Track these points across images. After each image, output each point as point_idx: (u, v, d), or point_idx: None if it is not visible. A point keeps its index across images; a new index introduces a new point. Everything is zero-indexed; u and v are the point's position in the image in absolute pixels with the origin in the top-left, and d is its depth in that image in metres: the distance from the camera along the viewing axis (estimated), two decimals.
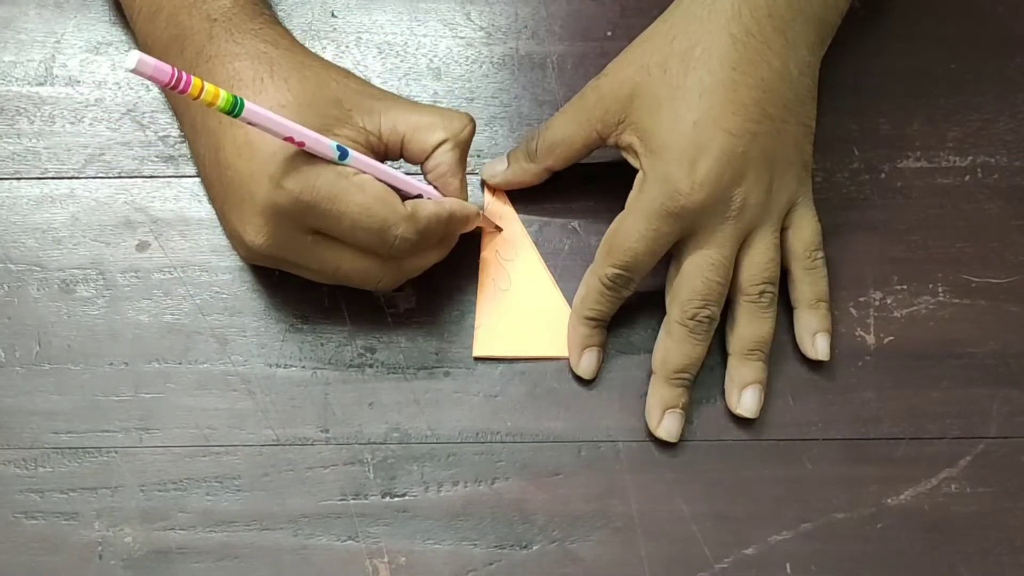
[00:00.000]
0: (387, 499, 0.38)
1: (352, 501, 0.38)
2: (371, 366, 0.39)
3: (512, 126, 0.43)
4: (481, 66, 0.44)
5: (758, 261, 0.38)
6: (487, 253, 0.41)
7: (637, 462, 0.38)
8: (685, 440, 0.38)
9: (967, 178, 0.42)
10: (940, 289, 0.40)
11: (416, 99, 0.43)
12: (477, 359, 0.39)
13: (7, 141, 0.42)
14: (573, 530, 0.38)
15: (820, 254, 0.39)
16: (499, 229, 0.41)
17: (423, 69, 0.44)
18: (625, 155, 0.39)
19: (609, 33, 0.44)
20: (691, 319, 0.37)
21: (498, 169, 0.41)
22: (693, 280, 0.37)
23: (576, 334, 0.39)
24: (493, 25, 0.44)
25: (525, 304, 0.40)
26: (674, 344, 0.38)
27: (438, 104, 0.43)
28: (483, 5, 0.45)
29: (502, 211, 0.41)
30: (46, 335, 0.40)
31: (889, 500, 0.38)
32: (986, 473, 0.38)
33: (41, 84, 0.43)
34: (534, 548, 0.37)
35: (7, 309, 0.40)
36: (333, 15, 0.44)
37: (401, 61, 0.44)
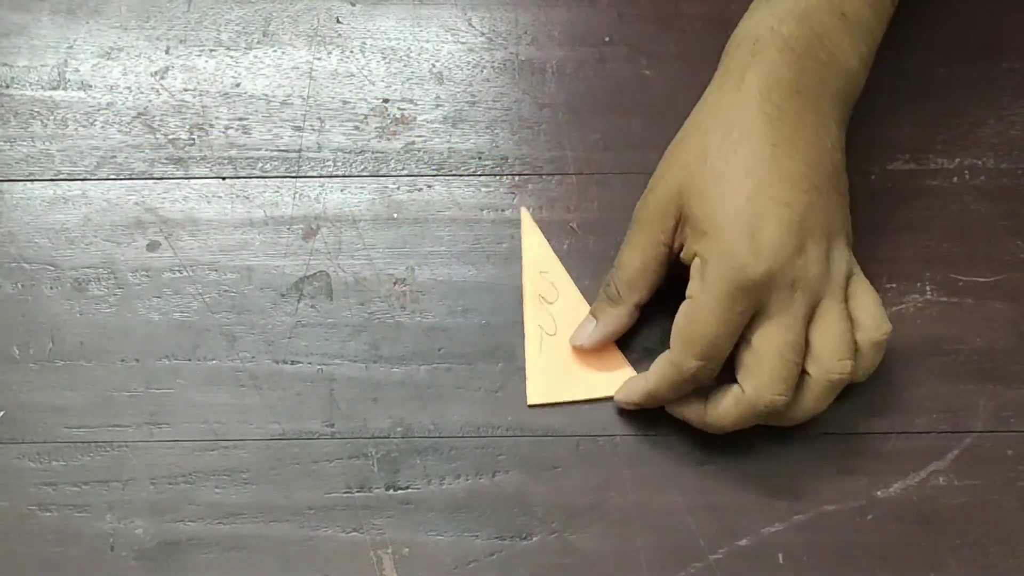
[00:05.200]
0: (391, 492, 0.39)
1: (357, 494, 0.39)
2: (375, 362, 0.40)
3: (513, 129, 0.44)
4: (482, 71, 0.45)
5: (835, 332, 0.36)
6: (529, 297, 0.41)
7: (634, 456, 0.39)
8: (681, 434, 0.39)
9: (955, 180, 0.43)
10: (928, 288, 0.41)
11: (418, 103, 0.44)
12: (532, 407, 0.40)
13: (21, 144, 0.43)
14: (572, 522, 0.38)
15: (888, 326, 0.37)
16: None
17: (426, 74, 0.45)
18: (686, 258, 0.38)
19: (607, 39, 0.45)
20: (767, 404, 0.36)
21: (588, 330, 0.40)
22: (772, 360, 0.35)
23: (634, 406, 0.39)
24: (494, 31, 0.45)
25: (571, 349, 0.40)
26: (746, 421, 0.37)
27: (440, 107, 0.44)
28: (484, 11, 0.46)
29: (543, 254, 0.42)
30: (59, 332, 0.41)
31: (879, 493, 0.38)
32: (973, 466, 0.39)
33: (54, 88, 0.44)
34: (534, 539, 0.38)
35: (21, 307, 0.41)
36: (338, 21, 0.46)
37: (404, 66, 0.45)
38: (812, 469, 0.39)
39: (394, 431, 0.39)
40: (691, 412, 0.38)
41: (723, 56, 0.39)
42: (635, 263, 0.39)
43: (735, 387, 0.36)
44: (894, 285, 0.41)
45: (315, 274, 0.42)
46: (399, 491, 0.39)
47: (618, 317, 0.39)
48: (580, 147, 0.43)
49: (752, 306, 0.35)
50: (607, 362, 0.40)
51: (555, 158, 0.43)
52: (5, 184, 0.43)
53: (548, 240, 0.42)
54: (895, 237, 0.42)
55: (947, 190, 0.43)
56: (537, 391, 0.40)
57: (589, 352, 0.40)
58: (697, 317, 0.36)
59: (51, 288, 0.41)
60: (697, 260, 0.36)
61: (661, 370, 0.37)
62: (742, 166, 0.36)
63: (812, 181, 0.36)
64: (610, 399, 0.39)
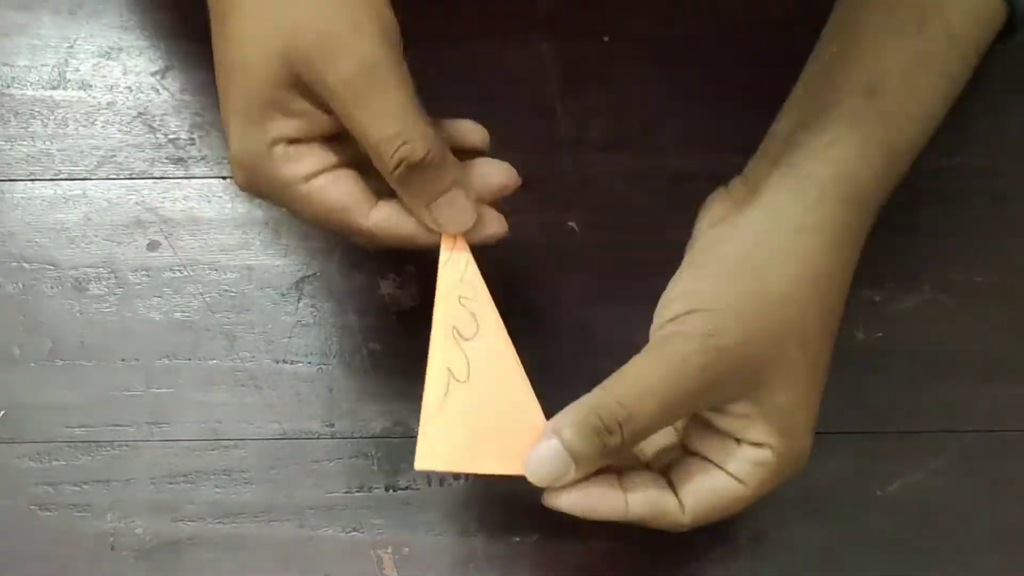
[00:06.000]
0: (391, 492, 0.39)
1: (357, 494, 0.39)
2: (375, 362, 0.40)
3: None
4: None
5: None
6: (440, 329, 0.32)
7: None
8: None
9: (953, 180, 0.43)
10: (927, 288, 0.41)
11: None
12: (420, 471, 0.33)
13: (22, 144, 0.43)
14: (572, 522, 0.38)
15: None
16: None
17: None
18: (719, 418, 0.32)
19: (607, 38, 0.45)
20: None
21: (562, 475, 0.31)
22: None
23: None
24: None
25: (486, 403, 0.32)
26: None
27: None
28: None
29: (466, 275, 0.33)
30: (59, 332, 0.41)
31: (879, 492, 0.39)
32: (973, 465, 0.39)
33: (55, 88, 0.44)
34: (534, 539, 0.38)
35: (22, 307, 0.41)
36: None
37: None
38: (810, 469, 0.39)
39: (394, 431, 0.39)
40: (665, 509, 0.32)
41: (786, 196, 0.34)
42: (658, 422, 0.31)
43: (751, 451, 0.32)
44: (895, 285, 0.41)
45: (315, 274, 0.42)
46: (399, 491, 0.39)
47: (605, 479, 0.32)
48: (579, 147, 0.43)
49: None
50: (523, 427, 0.32)
51: (552, 157, 0.43)
52: (6, 184, 0.43)
53: (545, 242, 0.38)
54: (895, 237, 0.42)
55: (945, 190, 0.43)
56: (429, 453, 0.32)
57: (504, 412, 0.32)
58: (732, 507, 0.32)
59: (51, 288, 0.41)
60: (768, 452, 0.32)
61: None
62: (830, 353, 0.33)
63: None
64: (515, 477, 0.32)
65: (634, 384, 0.31)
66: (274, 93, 0.31)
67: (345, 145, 0.33)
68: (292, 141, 0.32)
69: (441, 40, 0.45)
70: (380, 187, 0.33)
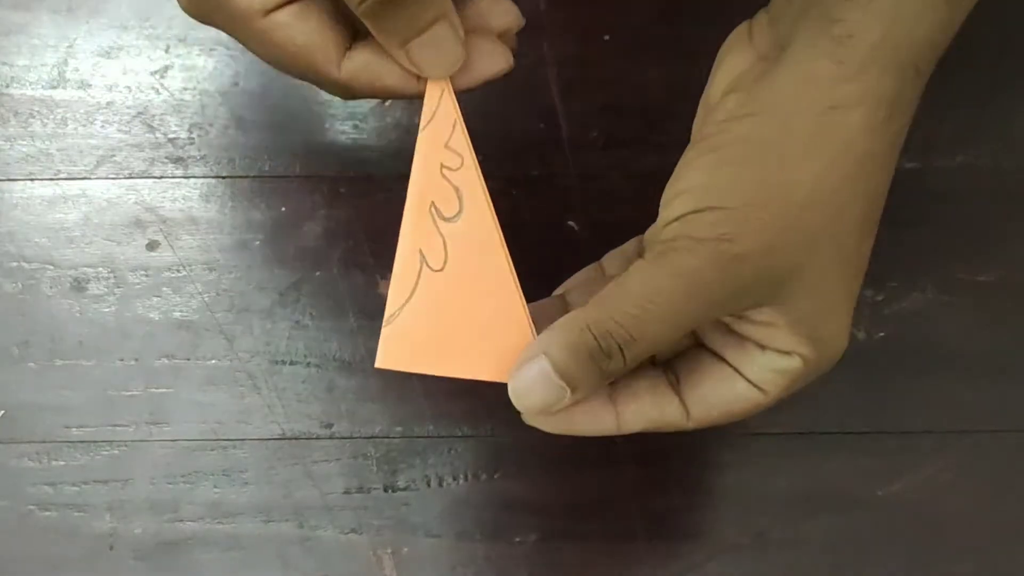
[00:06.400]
0: (390, 492, 0.39)
1: (356, 494, 0.39)
2: (375, 362, 0.40)
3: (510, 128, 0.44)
4: None
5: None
6: (415, 202, 0.27)
7: (636, 455, 0.39)
8: (680, 434, 0.39)
9: (956, 179, 0.43)
10: (929, 286, 0.41)
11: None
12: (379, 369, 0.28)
13: (21, 143, 0.43)
14: (572, 522, 0.38)
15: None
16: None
17: None
18: (740, 324, 0.28)
19: (607, 38, 0.45)
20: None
21: (556, 403, 0.27)
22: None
23: None
24: None
25: (464, 296, 0.27)
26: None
27: None
28: None
29: (452, 138, 0.28)
30: (58, 332, 0.41)
31: (880, 492, 0.39)
32: (975, 465, 0.39)
33: (54, 88, 0.44)
34: (533, 539, 0.38)
35: (20, 306, 0.41)
36: None
37: None
38: (811, 468, 0.39)
39: (393, 431, 0.39)
40: (670, 412, 0.29)
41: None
42: (667, 338, 0.27)
43: (777, 358, 0.27)
44: (895, 284, 0.41)
45: (314, 273, 0.41)
46: (398, 491, 0.39)
47: (603, 406, 0.29)
48: (579, 147, 0.43)
49: None
50: (502, 327, 0.28)
51: (552, 157, 0.43)
52: (5, 183, 0.43)
53: (544, 240, 0.33)
54: (896, 236, 0.42)
55: (948, 190, 0.43)
56: (394, 349, 0.28)
57: (483, 305, 0.27)
58: (746, 414, 0.29)
59: (50, 287, 0.41)
60: (780, 359, 0.28)
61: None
62: (868, 252, 0.28)
63: None
64: (500, 385, 0.28)
65: (635, 300, 0.26)
66: None
67: None
68: None
69: None
70: (357, 19, 0.27)
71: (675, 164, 0.42)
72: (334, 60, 0.27)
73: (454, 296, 0.28)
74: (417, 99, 0.28)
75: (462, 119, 0.28)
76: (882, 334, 0.40)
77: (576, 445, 0.39)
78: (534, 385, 0.27)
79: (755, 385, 0.28)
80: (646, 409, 0.29)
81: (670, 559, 0.38)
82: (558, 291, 0.33)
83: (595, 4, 0.46)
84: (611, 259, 0.35)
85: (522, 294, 0.28)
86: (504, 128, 0.44)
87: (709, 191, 0.27)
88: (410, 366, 0.28)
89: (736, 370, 0.28)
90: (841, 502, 0.38)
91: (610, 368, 0.27)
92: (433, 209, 0.28)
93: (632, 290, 0.26)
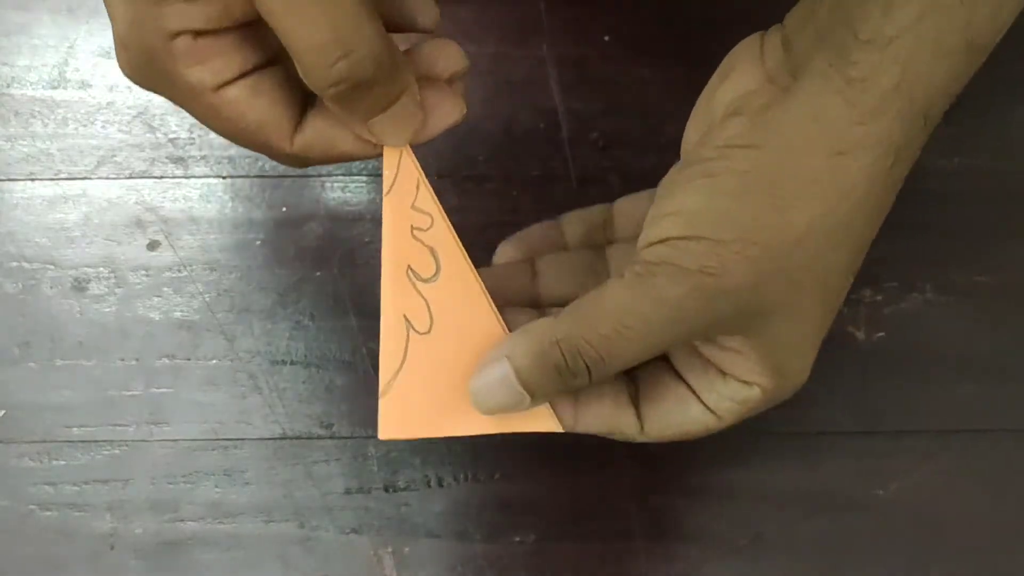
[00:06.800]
0: (390, 492, 0.39)
1: (356, 494, 0.39)
2: (375, 362, 0.40)
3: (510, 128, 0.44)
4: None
5: None
6: (391, 270, 0.27)
7: (635, 458, 0.39)
8: None
9: (953, 181, 0.43)
10: (927, 287, 0.41)
11: None
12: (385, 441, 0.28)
13: (22, 143, 0.43)
14: (572, 522, 0.38)
15: None
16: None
17: None
18: (708, 348, 0.28)
19: (607, 38, 0.45)
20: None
21: (513, 407, 0.27)
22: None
23: None
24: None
25: (454, 356, 0.27)
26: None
27: None
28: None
29: (420, 201, 0.27)
30: (59, 332, 0.41)
31: (879, 492, 0.39)
32: (974, 465, 0.39)
33: (54, 88, 0.44)
34: (533, 541, 0.38)
35: (21, 306, 0.41)
36: None
37: None
38: (809, 469, 0.39)
39: None
40: (624, 422, 0.29)
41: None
42: (642, 355, 0.27)
43: (737, 387, 0.28)
44: (895, 285, 0.41)
45: (315, 273, 0.42)
46: (399, 491, 0.39)
47: (567, 406, 0.29)
48: (579, 147, 0.43)
49: None
50: None
51: (552, 157, 0.43)
52: (5, 183, 0.43)
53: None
54: (895, 237, 0.42)
55: (947, 191, 0.43)
56: (394, 421, 0.28)
57: (473, 351, 0.27)
58: (697, 435, 0.29)
59: (51, 287, 0.41)
60: (740, 388, 0.28)
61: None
62: (845, 292, 0.28)
63: None
64: (496, 437, 0.29)
65: (610, 322, 0.26)
66: None
67: (261, 34, 0.25)
68: (199, 33, 0.25)
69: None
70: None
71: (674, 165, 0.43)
72: (287, 135, 0.27)
73: (445, 356, 0.27)
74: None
75: (424, 177, 0.27)
76: (881, 335, 0.41)
77: (576, 445, 0.40)
78: (494, 388, 0.27)
79: (711, 411, 0.28)
80: (604, 414, 0.29)
81: (669, 559, 0.38)
82: (510, 242, 0.32)
83: (595, 5, 0.46)
84: (572, 221, 0.34)
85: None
86: (504, 128, 0.44)
87: (700, 219, 0.26)
88: (413, 433, 0.28)
89: (695, 394, 0.28)
90: (839, 502, 0.38)
91: (575, 384, 0.27)
92: (410, 272, 0.27)
93: (608, 310, 0.26)
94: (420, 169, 0.27)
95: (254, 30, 0.25)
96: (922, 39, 0.25)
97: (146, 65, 0.25)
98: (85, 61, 0.44)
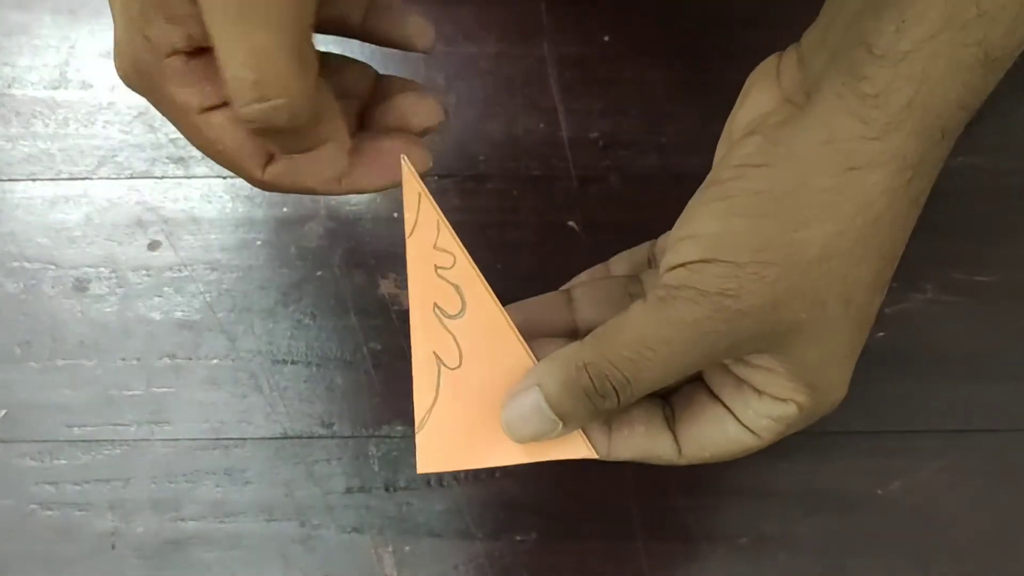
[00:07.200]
0: (391, 491, 0.39)
1: (357, 493, 0.39)
2: (375, 362, 0.40)
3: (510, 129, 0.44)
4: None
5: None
6: (419, 309, 0.28)
7: None
8: None
9: (955, 180, 0.43)
10: (929, 287, 0.41)
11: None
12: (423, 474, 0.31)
13: (23, 144, 0.43)
14: (572, 522, 0.38)
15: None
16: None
17: (421, 78, 0.45)
18: (740, 367, 0.28)
19: (607, 38, 0.45)
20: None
21: (547, 435, 0.28)
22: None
23: None
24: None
25: (485, 388, 0.28)
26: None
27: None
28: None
29: (441, 240, 0.28)
30: (60, 331, 0.41)
31: (880, 491, 0.39)
32: (973, 465, 0.39)
33: (55, 88, 0.44)
34: (534, 538, 0.38)
35: (22, 306, 0.41)
36: None
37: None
38: (811, 468, 0.39)
39: (394, 430, 0.39)
40: (661, 446, 0.29)
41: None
42: (665, 380, 0.27)
43: (773, 405, 0.28)
44: (896, 284, 0.41)
45: (315, 273, 0.42)
46: (399, 490, 0.39)
47: (599, 434, 0.29)
48: (579, 147, 0.43)
49: None
50: None
51: (552, 157, 0.43)
52: (7, 183, 0.43)
53: (544, 243, 0.35)
54: None
55: (948, 190, 0.43)
56: (430, 455, 0.29)
57: (505, 393, 0.28)
58: (737, 455, 0.29)
59: (52, 287, 0.41)
60: (776, 406, 0.28)
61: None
62: (875, 310, 0.28)
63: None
64: (527, 465, 0.29)
65: (633, 345, 0.26)
66: None
67: None
68: (191, 55, 0.26)
69: (441, 40, 0.45)
70: None
71: (675, 165, 0.43)
72: (259, 164, 0.28)
73: (476, 389, 0.28)
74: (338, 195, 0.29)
75: (444, 217, 0.28)
76: (882, 334, 0.41)
77: None
78: (527, 416, 0.27)
79: (749, 429, 0.28)
80: (639, 440, 0.29)
81: (669, 558, 0.38)
82: (564, 287, 0.33)
83: (595, 5, 0.46)
84: (619, 261, 0.35)
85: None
86: (504, 128, 0.44)
87: (717, 241, 0.26)
88: (449, 466, 0.29)
89: (731, 412, 0.28)
90: (841, 502, 0.38)
91: (604, 407, 0.27)
92: (437, 310, 0.28)
93: (631, 334, 0.27)
94: (439, 211, 0.28)
95: None
96: (937, 55, 0.25)
97: (137, 75, 0.27)
98: (86, 61, 0.44)
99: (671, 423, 0.29)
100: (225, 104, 0.27)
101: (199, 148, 0.29)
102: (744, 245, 0.26)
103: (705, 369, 0.29)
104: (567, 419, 0.27)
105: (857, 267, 0.26)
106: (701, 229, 0.27)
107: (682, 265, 0.27)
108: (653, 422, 0.29)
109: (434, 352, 0.28)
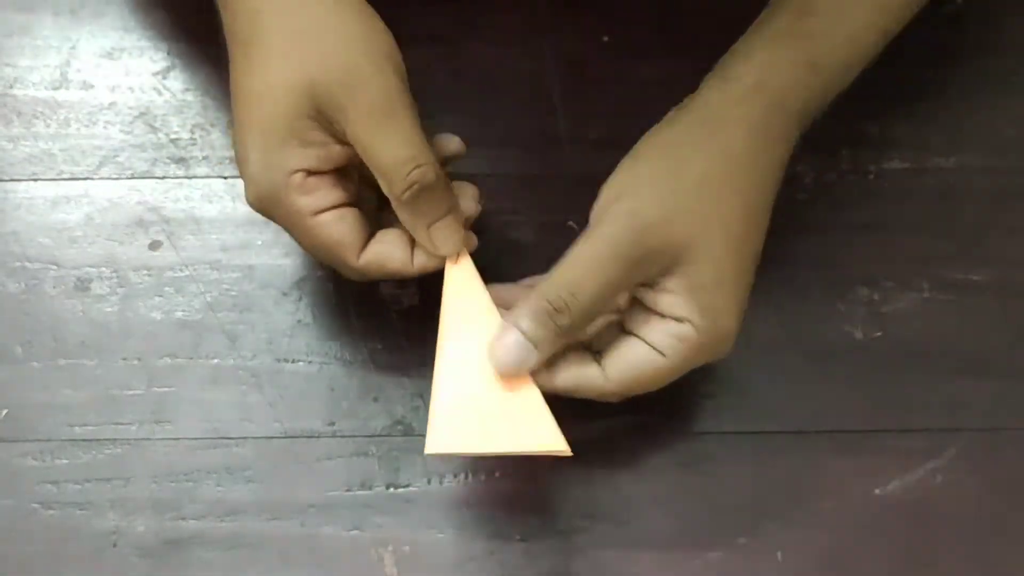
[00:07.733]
0: (391, 490, 0.39)
1: (358, 492, 0.39)
2: (376, 361, 0.41)
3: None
4: None
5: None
6: (447, 318, 0.36)
7: (633, 457, 0.39)
8: (677, 434, 0.39)
9: (950, 179, 0.43)
10: (925, 286, 0.41)
11: None
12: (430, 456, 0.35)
13: (24, 144, 0.43)
14: (572, 521, 0.38)
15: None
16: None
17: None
18: (649, 294, 0.35)
19: (606, 39, 0.45)
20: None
21: (526, 361, 0.35)
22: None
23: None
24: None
25: (491, 390, 0.35)
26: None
27: None
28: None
29: (470, 279, 0.37)
30: (61, 331, 0.41)
31: (877, 491, 0.39)
32: (971, 464, 0.39)
33: (57, 88, 0.44)
34: (533, 539, 0.38)
35: (24, 306, 0.41)
36: None
37: None
38: (810, 467, 0.39)
39: (394, 430, 0.40)
40: (589, 377, 0.36)
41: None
42: (601, 297, 0.34)
43: (672, 324, 0.34)
44: (892, 283, 0.41)
45: (316, 273, 0.42)
46: (400, 489, 0.39)
47: (559, 351, 0.35)
48: (579, 146, 0.44)
49: None
50: (525, 406, 0.35)
51: (552, 157, 0.43)
52: (8, 184, 0.43)
53: (544, 240, 0.40)
54: (892, 236, 0.42)
55: (944, 189, 0.43)
56: (439, 438, 0.35)
57: (504, 391, 0.35)
58: (652, 376, 0.35)
59: (54, 287, 0.41)
60: (675, 325, 0.34)
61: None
62: (760, 245, 0.36)
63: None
64: (523, 455, 0.35)
65: (573, 267, 0.34)
66: (295, 123, 0.34)
67: (348, 183, 0.36)
68: (310, 173, 0.35)
69: (442, 40, 0.46)
70: (370, 226, 0.37)
71: None
72: (356, 252, 0.36)
73: (484, 389, 0.35)
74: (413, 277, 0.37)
75: (474, 264, 0.37)
76: (878, 334, 0.41)
77: (576, 445, 0.40)
78: (511, 349, 0.35)
79: (656, 349, 0.35)
80: (573, 371, 0.36)
81: (669, 558, 0.38)
82: (525, 281, 0.39)
83: (595, 5, 0.46)
84: None
85: (533, 383, 0.35)
86: (504, 128, 0.44)
87: (625, 182, 0.36)
88: (454, 448, 0.35)
89: (641, 338, 0.35)
90: (839, 501, 0.38)
91: (562, 323, 0.34)
92: (460, 323, 0.36)
93: (570, 259, 0.35)
94: (471, 259, 0.37)
95: (344, 176, 0.36)
96: (772, 55, 0.37)
97: (267, 196, 0.35)
98: (87, 62, 0.45)
99: (598, 360, 0.36)
100: (333, 207, 0.35)
101: (307, 246, 0.36)
102: (642, 179, 0.35)
103: (627, 289, 0.36)
104: (538, 343, 0.34)
105: (729, 198, 0.35)
106: (616, 178, 0.36)
107: (601, 206, 0.35)
108: (584, 358, 0.36)
109: (455, 357, 0.35)
